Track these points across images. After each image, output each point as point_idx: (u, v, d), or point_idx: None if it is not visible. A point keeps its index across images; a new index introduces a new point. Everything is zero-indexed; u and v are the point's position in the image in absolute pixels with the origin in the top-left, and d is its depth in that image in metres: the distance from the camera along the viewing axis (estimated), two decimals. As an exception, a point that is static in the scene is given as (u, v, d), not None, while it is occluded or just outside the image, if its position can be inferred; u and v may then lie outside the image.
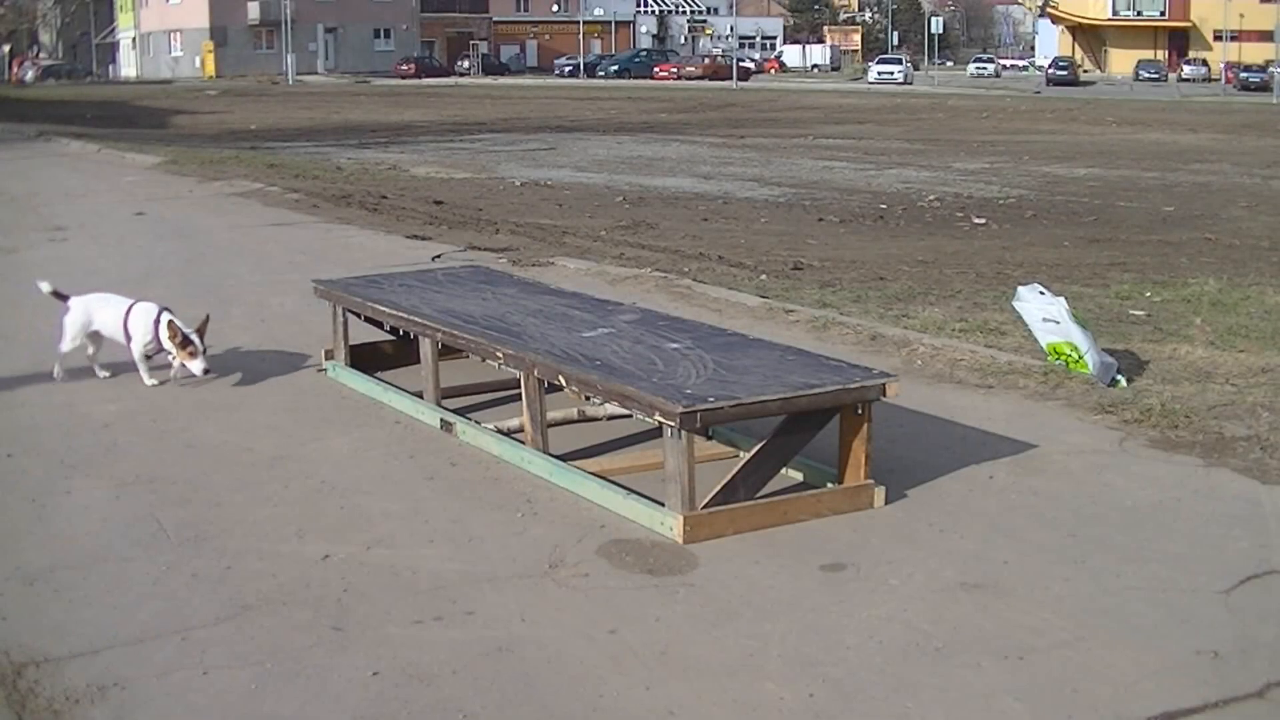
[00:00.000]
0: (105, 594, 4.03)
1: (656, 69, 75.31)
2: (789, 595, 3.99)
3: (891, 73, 70.16)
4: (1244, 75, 66.05)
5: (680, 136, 28.25)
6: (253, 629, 3.78)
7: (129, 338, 6.44)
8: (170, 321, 6.33)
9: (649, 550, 4.37)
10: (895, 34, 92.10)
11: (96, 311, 6.52)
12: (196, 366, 6.34)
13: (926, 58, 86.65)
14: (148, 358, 6.52)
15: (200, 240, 11.93)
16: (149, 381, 6.51)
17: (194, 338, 6.35)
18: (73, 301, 6.57)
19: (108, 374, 6.65)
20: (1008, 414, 5.97)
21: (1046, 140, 27.66)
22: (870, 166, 21.08)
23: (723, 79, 68.49)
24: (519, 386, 5.34)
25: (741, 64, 72.90)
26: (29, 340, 7.71)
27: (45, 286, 6.64)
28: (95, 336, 6.59)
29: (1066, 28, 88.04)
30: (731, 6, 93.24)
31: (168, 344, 6.35)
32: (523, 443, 5.32)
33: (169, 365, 6.58)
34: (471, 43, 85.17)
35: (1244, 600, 3.97)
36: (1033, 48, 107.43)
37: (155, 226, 12.88)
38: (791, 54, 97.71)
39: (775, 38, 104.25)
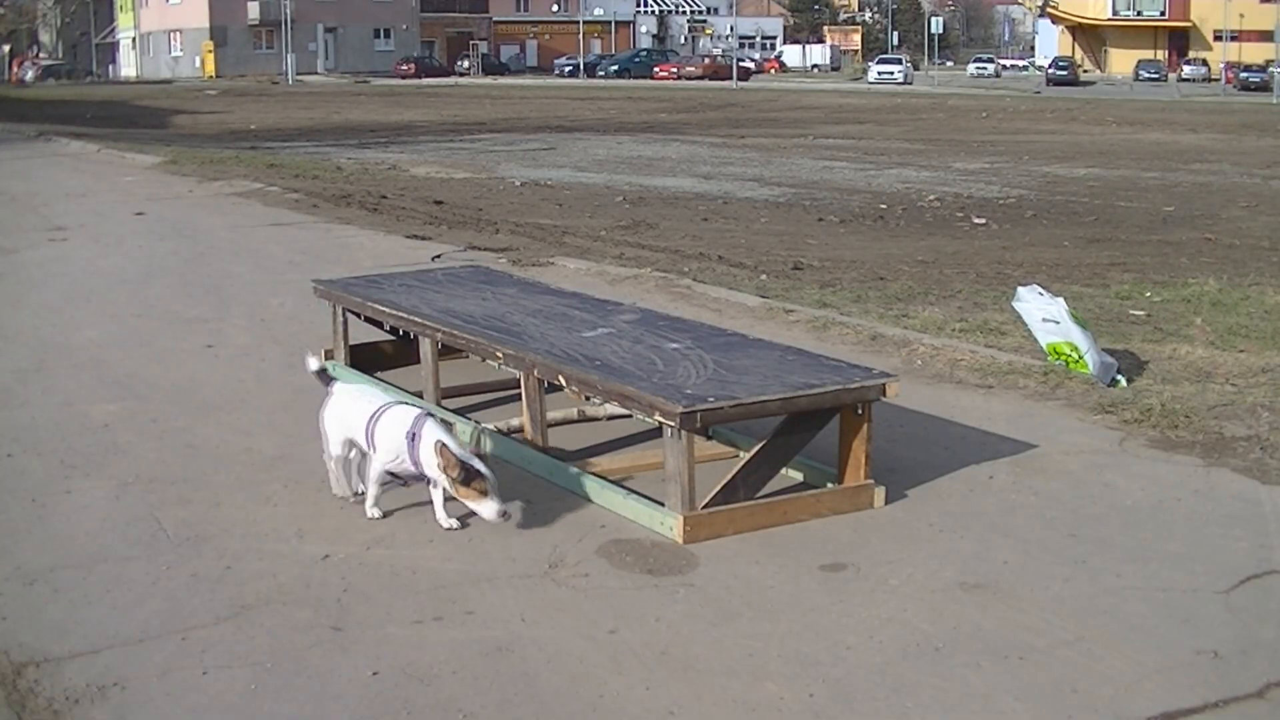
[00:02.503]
0: (105, 594, 4.03)
1: (656, 69, 75.28)
2: (789, 595, 3.99)
3: (891, 73, 70.14)
4: (1244, 75, 66.04)
5: (680, 136, 28.25)
6: (253, 629, 3.78)
7: (372, 447, 4.64)
8: (442, 444, 4.40)
9: (649, 550, 4.37)
10: (895, 34, 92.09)
11: (351, 407, 4.76)
12: (488, 510, 4.37)
13: (926, 58, 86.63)
14: (398, 479, 4.68)
15: (200, 240, 11.92)
16: (372, 513, 4.65)
17: (480, 467, 4.40)
18: (336, 389, 4.88)
19: (378, 513, 4.67)
20: (1008, 414, 5.97)
21: (1046, 140, 27.66)
22: (870, 166, 21.07)
23: (723, 79, 68.48)
24: (519, 386, 5.34)
25: (741, 64, 72.88)
26: (29, 340, 7.72)
27: (313, 363, 5.04)
28: (349, 443, 4.80)
29: (1066, 28, 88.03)
30: (731, 6, 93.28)
31: (435, 472, 4.45)
32: (523, 443, 5.32)
33: (412, 483, 4.73)
34: (471, 43, 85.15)
35: (1244, 600, 3.97)
36: (1033, 48, 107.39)
37: (155, 226, 12.87)
38: (791, 54, 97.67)
39: (775, 38, 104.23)
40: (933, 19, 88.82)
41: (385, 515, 4.66)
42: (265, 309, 8.55)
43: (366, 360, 6.74)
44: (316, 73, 73.89)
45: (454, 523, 4.54)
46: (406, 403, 4.81)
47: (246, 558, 4.32)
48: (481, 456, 4.45)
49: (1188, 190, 17.60)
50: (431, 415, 4.59)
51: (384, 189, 16.26)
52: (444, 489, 4.49)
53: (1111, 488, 5.00)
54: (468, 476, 4.36)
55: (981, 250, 11.75)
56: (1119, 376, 6.48)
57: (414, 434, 4.47)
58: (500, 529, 4.56)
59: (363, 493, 4.72)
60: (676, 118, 36.11)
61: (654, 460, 4.91)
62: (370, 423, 4.60)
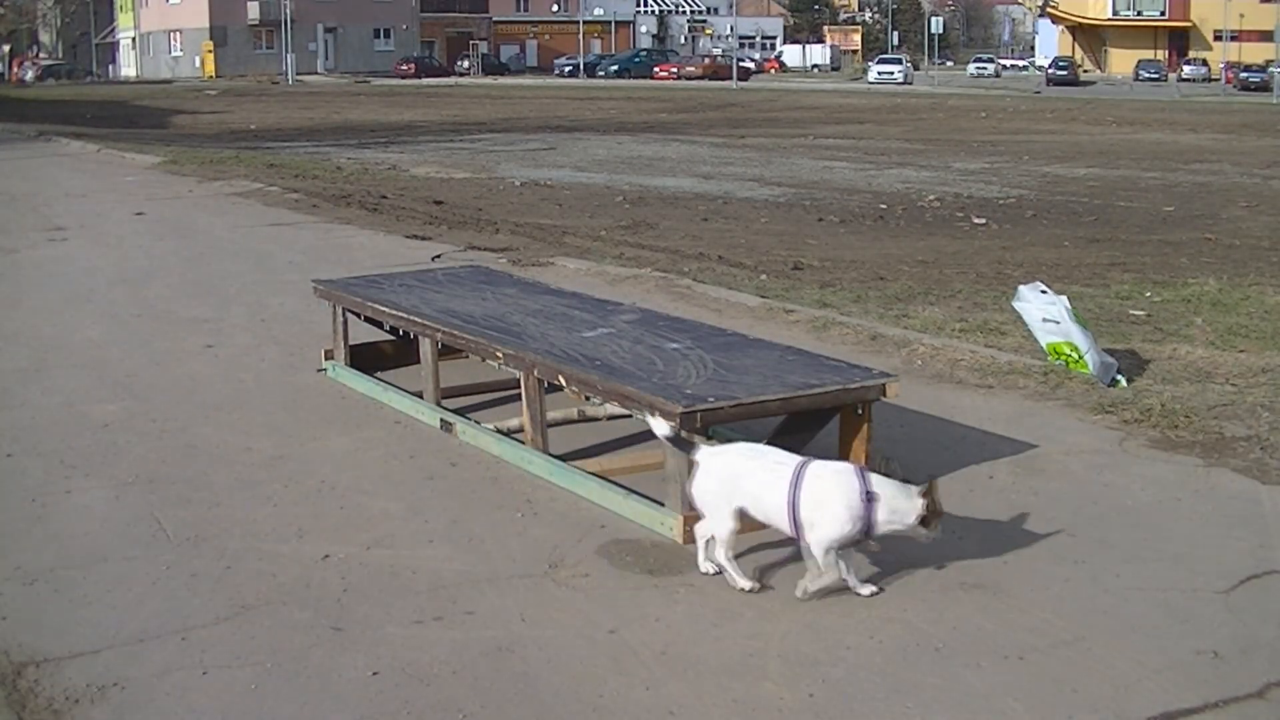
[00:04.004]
0: (105, 594, 4.03)
1: (656, 69, 75.28)
2: (789, 595, 3.98)
3: (891, 73, 70.13)
4: (1244, 75, 66.02)
5: (680, 136, 28.25)
6: (253, 629, 3.78)
7: (797, 526, 3.91)
8: (933, 482, 3.90)
9: (649, 550, 4.37)
10: (895, 34, 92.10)
11: (745, 476, 4.02)
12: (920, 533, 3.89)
13: (926, 58, 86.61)
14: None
15: (200, 240, 11.92)
16: (742, 584, 4.03)
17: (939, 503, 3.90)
18: (702, 457, 4.10)
19: (751, 586, 4.03)
20: (1008, 414, 5.97)
21: (1046, 140, 27.65)
22: (870, 166, 21.07)
23: (723, 79, 68.47)
24: (519, 386, 5.34)
25: (741, 64, 72.88)
26: (29, 340, 7.72)
27: (662, 428, 4.25)
28: (741, 514, 4.03)
29: (1066, 28, 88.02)
30: (731, 6, 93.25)
31: (886, 525, 3.87)
32: (523, 443, 5.32)
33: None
34: (471, 43, 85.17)
35: (1244, 600, 3.97)
36: (1033, 48, 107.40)
37: (155, 226, 12.88)
38: (791, 54, 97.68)
39: (775, 38, 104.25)
40: (933, 19, 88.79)
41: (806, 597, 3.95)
42: (265, 309, 8.55)
43: (366, 360, 6.74)
44: (316, 73, 73.90)
45: (875, 589, 3.97)
46: (814, 459, 4.04)
47: (246, 558, 4.32)
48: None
49: (1188, 190, 17.59)
50: (860, 466, 4.02)
51: (384, 189, 16.26)
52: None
53: (1111, 488, 5.00)
54: (935, 513, 3.87)
55: (981, 250, 11.74)
56: (1119, 376, 6.48)
57: (869, 493, 3.82)
58: (501, 529, 4.57)
59: (718, 571, 4.08)
60: (676, 118, 36.11)
61: (654, 460, 4.91)
62: (793, 493, 3.87)
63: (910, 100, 49.24)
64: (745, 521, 4.02)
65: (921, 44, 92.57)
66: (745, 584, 4.01)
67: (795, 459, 4.01)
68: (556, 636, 3.73)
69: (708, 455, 4.08)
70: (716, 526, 4.02)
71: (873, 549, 4.05)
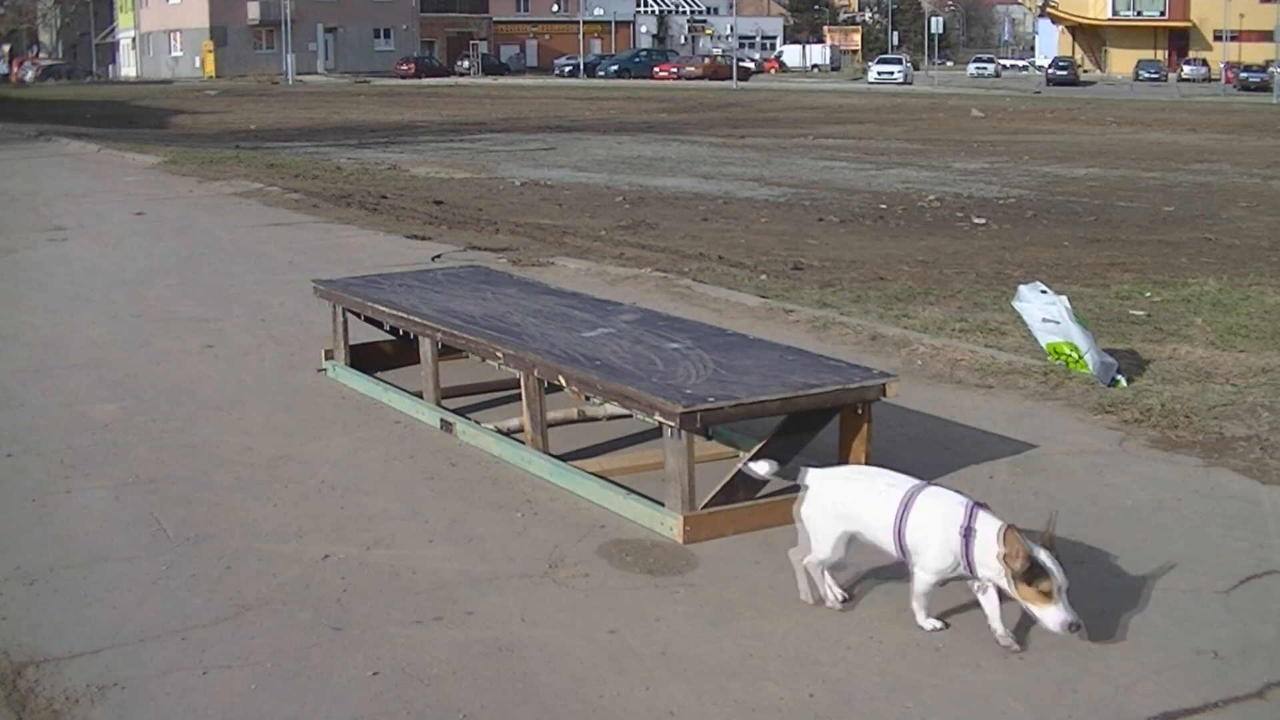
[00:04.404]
0: (105, 594, 4.03)
1: (656, 69, 75.30)
2: (789, 595, 3.99)
3: (891, 73, 70.14)
4: (1244, 75, 66.03)
5: (680, 136, 28.25)
6: (253, 629, 3.78)
7: (905, 552, 3.73)
8: (1009, 531, 3.54)
9: (649, 550, 4.37)
10: (895, 34, 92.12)
11: (853, 500, 3.84)
12: (1053, 618, 3.48)
13: (926, 58, 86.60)
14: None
15: (200, 240, 11.93)
16: (927, 624, 3.76)
17: (1049, 563, 3.51)
18: (812, 480, 3.92)
19: (937, 624, 3.77)
20: (1008, 414, 5.97)
21: (1046, 140, 27.65)
22: (870, 166, 21.07)
23: (723, 79, 68.49)
24: (519, 386, 5.34)
25: (741, 64, 72.90)
26: (29, 340, 7.72)
27: (763, 468, 4.20)
28: (850, 540, 3.88)
29: (1066, 28, 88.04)
30: (731, 6, 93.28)
31: (993, 569, 3.58)
32: (523, 443, 5.32)
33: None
34: (471, 43, 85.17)
35: (1244, 600, 3.97)
36: (1033, 48, 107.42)
37: (155, 226, 12.88)
38: (791, 54, 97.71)
39: (775, 38, 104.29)
40: (933, 19, 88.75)
41: (942, 625, 3.76)
42: (265, 309, 8.55)
43: (366, 360, 6.74)
44: (316, 73, 73.91)
45: (1012, 642, 3.62)
46: (938, 485, 3.85)
47: (246, 558, 4.32)
48: (1049, 548, 3.54)
49: (1188, 190, 17.59)
50: (981, 504, 3.69)
51: (384, 189, 16.26)
52: (998, 589, 3.62)
53: (1111, 488, 5.01)
54: (1032, 574, 3.48)
55: (981, 250, 11.74)
56: (1119, 376, 6.48)
57: (968, 528, 3.59)
58: (501, 529, 4.56)
59: (845, 599, 3.93)
60: (676, 118, 36.11)
61: (654, 460, 4.91)
62: (900, 518, 3.71)
63: (910, 100, 49.24)
64: (853, 548, 3.84)
65: (921, 44, 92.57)
66: (931, 624, 3.74)
67: (909, 482, 3.80)
68: (556, 636, 3.73)
69: (817, 478, 3.90)
70: (823, 551, 3.84)
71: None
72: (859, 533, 3.81)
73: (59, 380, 6.74)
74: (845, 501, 3.83)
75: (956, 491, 3.77)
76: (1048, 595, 3.47)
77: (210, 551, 4.37)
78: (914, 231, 13.20)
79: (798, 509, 3.91)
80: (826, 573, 3.91)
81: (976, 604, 3.73)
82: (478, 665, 3.56)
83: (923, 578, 3.70)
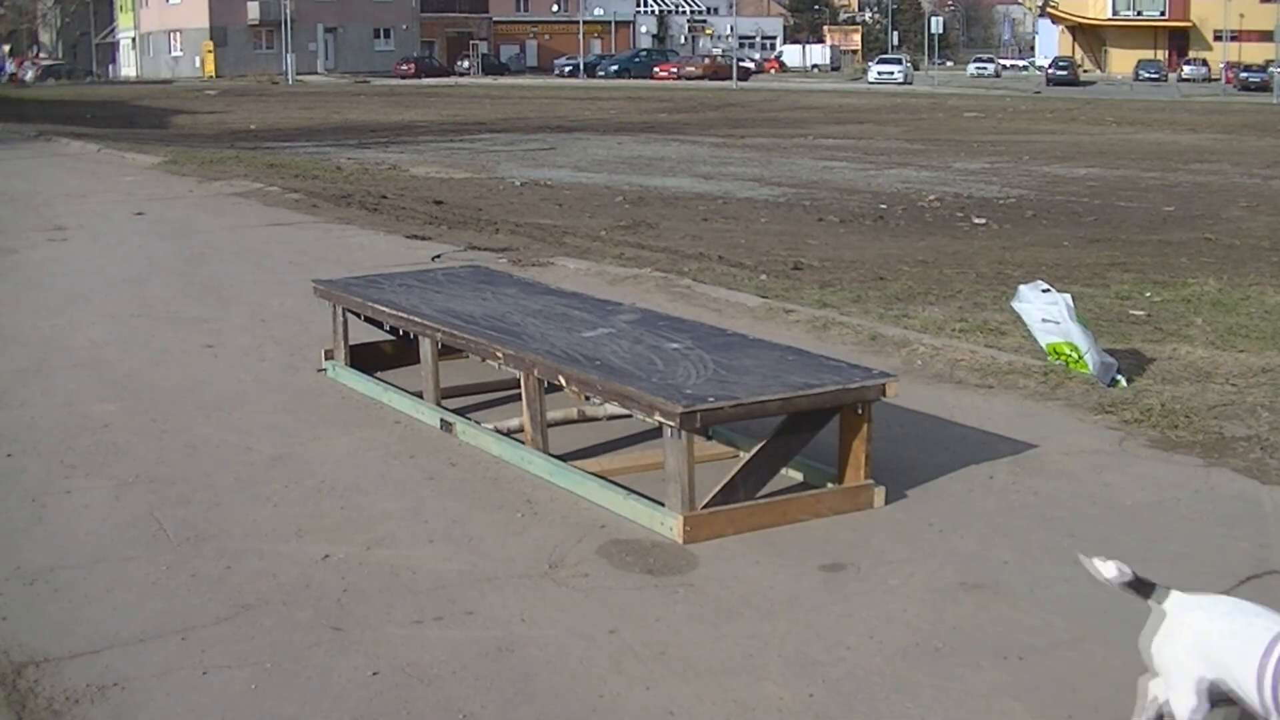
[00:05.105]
0: (105, 594, 4.04)
1: (656, 69, 75.27)
2: (789, 595, 3.99)
3: (891, 73, 70.12)
4: (1244, 75, 66.00)
5: (680, 136, 28.25)
6: (253, 629, 3.78)
7: (1266, 710, 2.80)
8: None
9: (649, 550, 4.37)
10: (895, 34, 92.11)
11: (1219, 640, 2.91)
12: None
13: (926, 58, 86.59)
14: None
15: (200, 240, 11.93)
16: None
17: None
18: (1173, 607, 3.02)
19: None
20: (1008, 414, 5.97)
21: (1046, 140, 27.65)
22: (870, 166, 21.07)
23: (723, 79, 68.47)
24: (519, 386, 5.34)
25: (741, 64, 72.88)
26: (29, 340, 7.72)
27: (1110, 571, 3.07)
28: (1212, 690, 2.93)
29: (1066, 28, 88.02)
30: (731, 6, 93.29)
31: None
32: (523, 443, 5.32)
33: None
34: (471, 43, 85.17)
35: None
36: (1033, 48, 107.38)
37: (155, 226, 12.88)
38: (791, 54, 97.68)
39: (775, 38, 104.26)
40: (933, 19, 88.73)
41: None
42: (265, 309, 8.55)
43: (366, 360, 6.74)
44: (316, 73, 73.91)
45: None
46: None
47: (246, 558, 4.32)
48: None
49: (1188, 190, 17.59)
50: None
51: (384, 189, 16.26)
52: None
53: (1111, 488, 5.00)
54: None
55: (981, 250, 11.74)
56: (1119, 376, 6.48)
57: None
58: (501, 529, 4.56)
59: None
60: (676, 118, 36.11)
61: (654, 460, 4.91)
62: (1265, 663, 2.79)
63: (910, 100, 49.24)
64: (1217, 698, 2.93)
65: (921, 44, 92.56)
66: None
67: (1273, 621, 2.87)
68: (556, 636, 3.73)
69: (1180, 608, 2.99)
70: (1177, 702, 2.95)
71: None
72: (1220, 681, 2.91)
73: (59, 380, 6.74)
74: (1209, 644, 2.92)
75: None
76: None
77: (210, 551, 4.37)
78: (914, 231, 13.19)
79: (1146, 640, 3.05)
80: None
81: (976, 604, 3.73)
82: (478, 665, 3.56)
83: None
